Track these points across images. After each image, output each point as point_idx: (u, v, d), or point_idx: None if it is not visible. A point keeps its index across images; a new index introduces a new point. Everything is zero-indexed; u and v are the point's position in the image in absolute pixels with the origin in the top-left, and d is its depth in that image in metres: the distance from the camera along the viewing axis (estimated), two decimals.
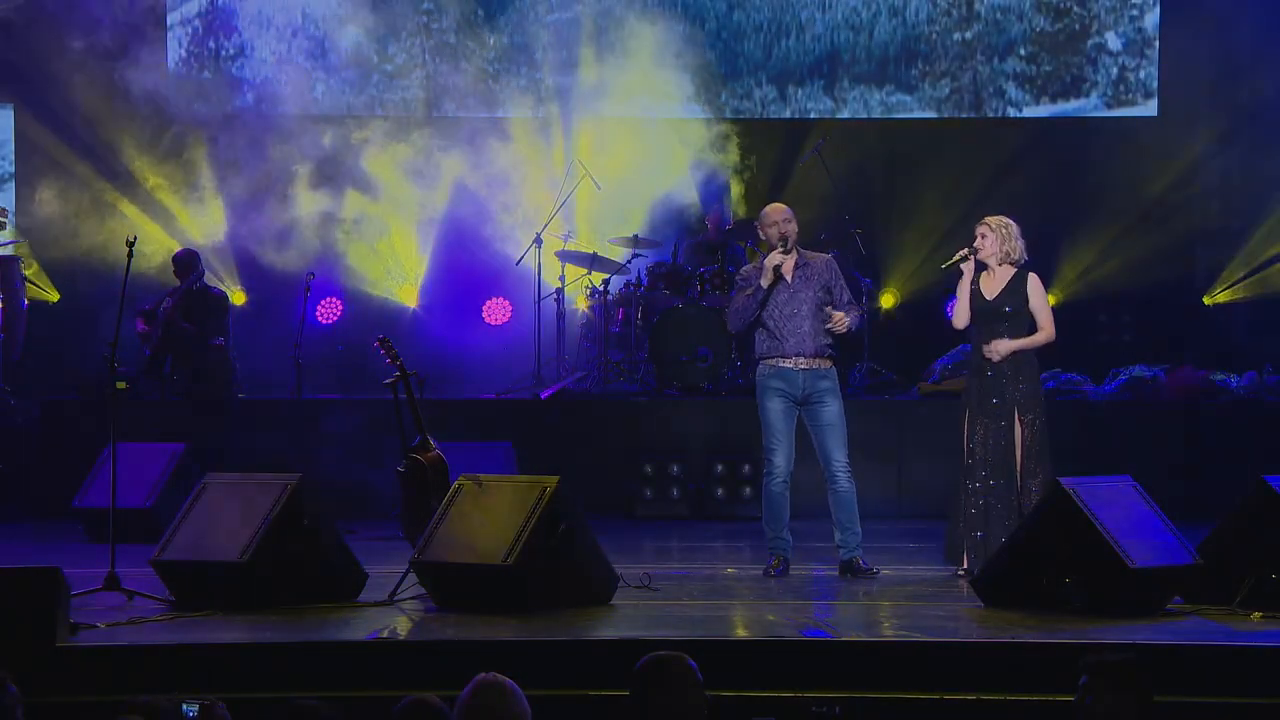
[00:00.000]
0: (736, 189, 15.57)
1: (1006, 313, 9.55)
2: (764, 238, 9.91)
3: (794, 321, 9.71)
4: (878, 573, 9.67)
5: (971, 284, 9.64)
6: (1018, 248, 9.63)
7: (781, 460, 9.70)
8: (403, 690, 5.01)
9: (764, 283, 9.73)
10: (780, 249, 9.73)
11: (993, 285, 9.64)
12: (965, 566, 9.42)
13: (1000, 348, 9.52)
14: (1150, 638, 7.56)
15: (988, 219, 9.73)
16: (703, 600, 9.02)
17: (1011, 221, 9.70)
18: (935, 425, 12.71)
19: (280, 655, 7.52)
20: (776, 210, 9.93)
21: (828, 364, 9.77)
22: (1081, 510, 8.18)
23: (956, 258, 9.69)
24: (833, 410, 9.72)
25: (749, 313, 9.77)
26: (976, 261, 9.65)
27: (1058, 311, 9.84)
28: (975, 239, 9.68)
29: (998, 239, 9.62)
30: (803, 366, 9.69)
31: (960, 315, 9.69)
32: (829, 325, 9.70)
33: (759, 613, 8.76)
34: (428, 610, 8.51)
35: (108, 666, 7.35)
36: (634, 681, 4.99)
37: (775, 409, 9.70)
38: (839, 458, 9.71)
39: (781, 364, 9.71)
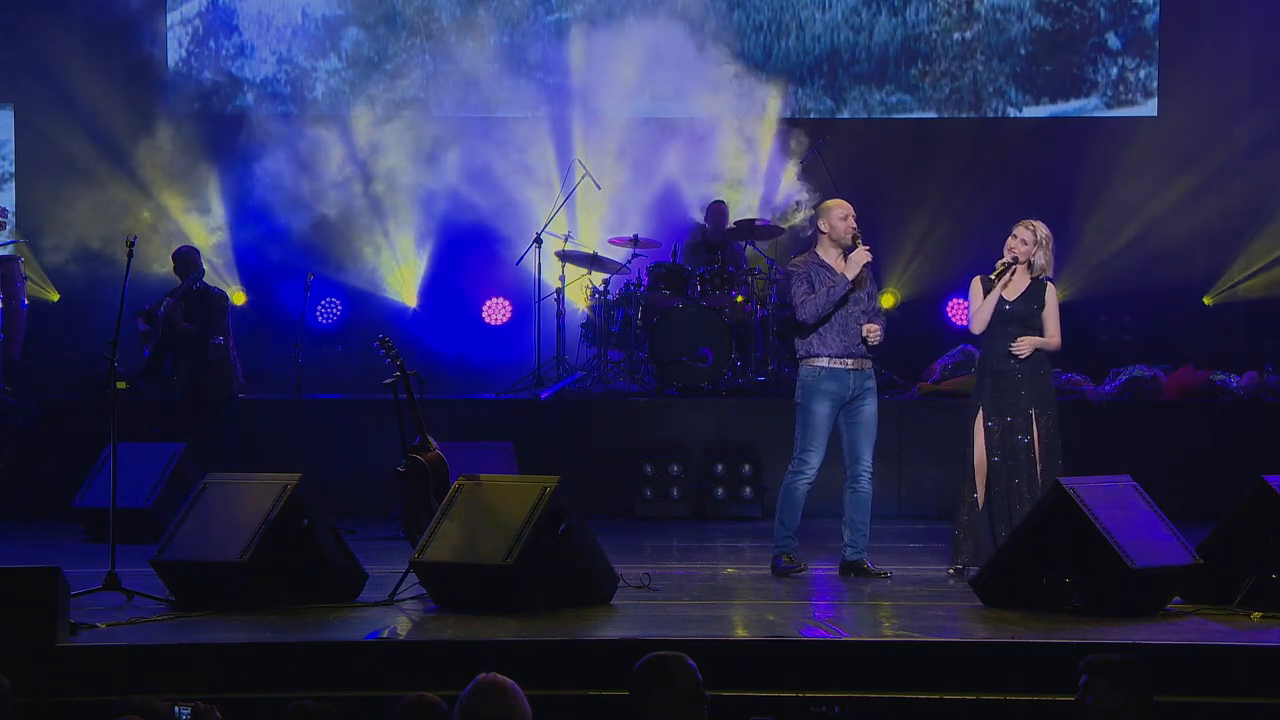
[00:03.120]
0: (735, 189, 15.55)
1: (1022, 316, 9.56)
2: (827, 230, 9.76)
3: (850, 321, 9.65)
4: (890, 576, 9.63)
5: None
6: (1050, 263, 9.65)
7: (815, 461, 9.64)
8: (403, 690, 5.00)
9: (851, 275, 9.61)
10: (863, 245, 9.64)
11: (1013, 288, 9.63)
12: (967, 568, 9.41)
13: (1026, 343, 9.48)
14: (1150, 638, 7.56)
15: (1033, 223, 9.68)
16: (703, 600, 9.02)
17: (1051, 235, 9.70)
18: (935, 425, 12.72)
19: (280, 655, 7.51)
20: (842, 205, 9.84)
21: (870, 364, 9.77)
22: (1081, 510, 8.18)
23: (1000, 266, 9.62)
24: (871, 409, 9.69)
25: (829, 307, 9.59)
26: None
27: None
28: (1015, 239, 9.63)
29: (1037, 245, 9.60)
30: (851, 367, 9.64)
31: (981, 320, 9.62)
32: (866, 336, 9.64)
33: (759, 613, 8.76)
34: (428, 610, 8.51)
35: (107, 666, 7.35)
36: (634, 681, 4.99)
37: (822, 412, 9.61)
38: (866, 458, 9.68)
39: (834, 364, 9.62)
